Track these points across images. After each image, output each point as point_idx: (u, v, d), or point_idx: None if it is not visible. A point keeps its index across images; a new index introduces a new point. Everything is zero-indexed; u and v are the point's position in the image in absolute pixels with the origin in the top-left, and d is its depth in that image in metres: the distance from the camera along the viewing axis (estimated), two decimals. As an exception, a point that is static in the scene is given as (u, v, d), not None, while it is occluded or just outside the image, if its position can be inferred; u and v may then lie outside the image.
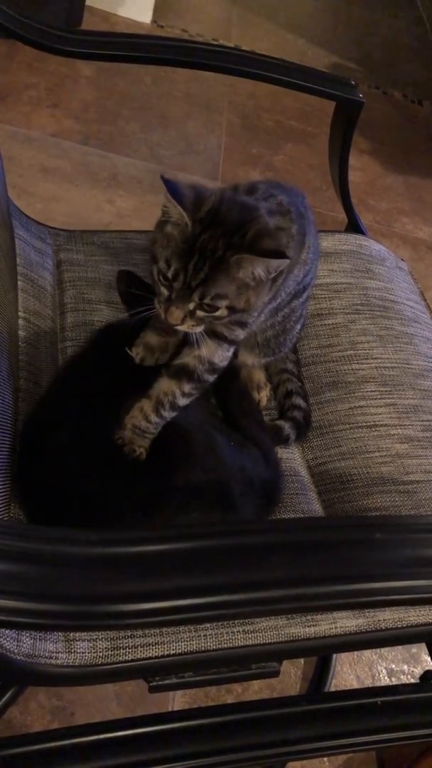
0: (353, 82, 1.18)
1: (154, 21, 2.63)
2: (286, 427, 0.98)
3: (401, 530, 0.61)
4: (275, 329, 0.96)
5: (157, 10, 2.63)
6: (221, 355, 0.82)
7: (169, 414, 0.80)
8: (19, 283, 0.98)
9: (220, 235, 0.73)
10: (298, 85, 1.17)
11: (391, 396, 1.03)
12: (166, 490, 0.78)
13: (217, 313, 0.75)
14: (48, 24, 1.10)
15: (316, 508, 0.93)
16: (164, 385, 0.80)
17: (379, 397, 1.02)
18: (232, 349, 0.84)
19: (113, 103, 2.28)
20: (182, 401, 0.81)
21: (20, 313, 0.96)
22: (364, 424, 0.99)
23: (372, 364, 1.06)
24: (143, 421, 0.79)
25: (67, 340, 0.99)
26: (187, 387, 0.80)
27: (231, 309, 0.75)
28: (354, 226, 1.28)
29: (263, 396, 1.01)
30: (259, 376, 1.02)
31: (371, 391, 1.03)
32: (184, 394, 0.81)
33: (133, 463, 0.80)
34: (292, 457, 0.97)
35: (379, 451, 0.97)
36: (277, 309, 0.92)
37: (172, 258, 0.73)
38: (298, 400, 1.01)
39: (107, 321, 1.01)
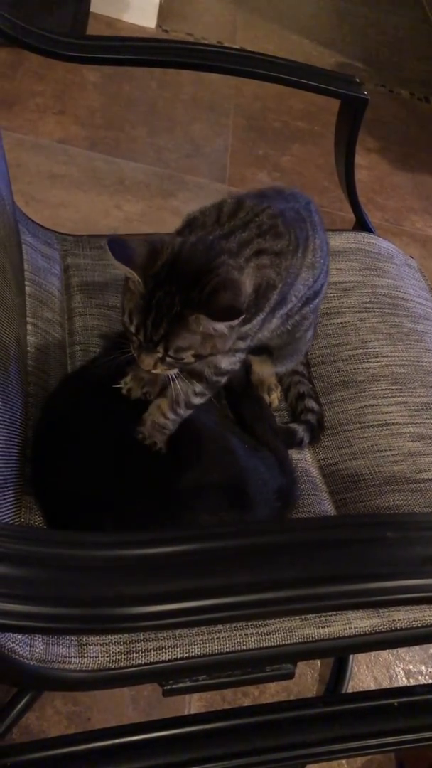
0: (357, 80, 1.17)
1: (158, 26, 2.64)
2: (300, 430, 0.97)
3: (412, 528, 0.61)
4: (285, 338, 0.95)
5: (162, 15, 2.64)
6: (227, 361, 0.83)
7: (184, 411, 0.82)
8: (26, 288, 0.99)
9: (176, 290, 0.72)
10: (302, 83, 1.17)
11: (402, 394, 1.02)
12: (181, 490, 0.79)
13: (185, 361, 0.75)
14: (53, 31, 1.11)
15: (328, 509, 0.92)
16: (178, 385, 0.80)
17: (390, 395, 1.02)
18: (239, 355, 0.84)
19: (119, 109, 2.29)
20: (196, 400, 0.82)
21: (28, 319, 0.96)
22: (375, 423, 0.99)
23: (382, 362, 1.05)
24: (161, 418, 0.81)
25: (76, 345, 1.00)
26: (198, 387, 0.81)
27: (197, 356, 0.75)
28: (362, 224, 1.27)
29: (274, 398, 1.01)
30: (270, 378, 1.02)
31: (382, 389, 1.02)
32: (196, 393, 0.81)
33: (147, 464, 0.80)
34: (303, 458, 0.97)
35: (390, 449, 0.96)
36: (288, 315, 0.92)
37: (133, 313, 0.74)
38: (311, 403, 1.00)
39: (116, 325, 1.01)
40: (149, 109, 2.33)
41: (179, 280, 0.73)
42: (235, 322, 0.73)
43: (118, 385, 0.82)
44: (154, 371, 0.76)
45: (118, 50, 1.19)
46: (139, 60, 1.22)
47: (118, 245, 0.74)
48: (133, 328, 0.74)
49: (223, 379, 0.84)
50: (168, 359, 0.74)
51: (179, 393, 0.80)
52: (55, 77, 2.29)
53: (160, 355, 0.74)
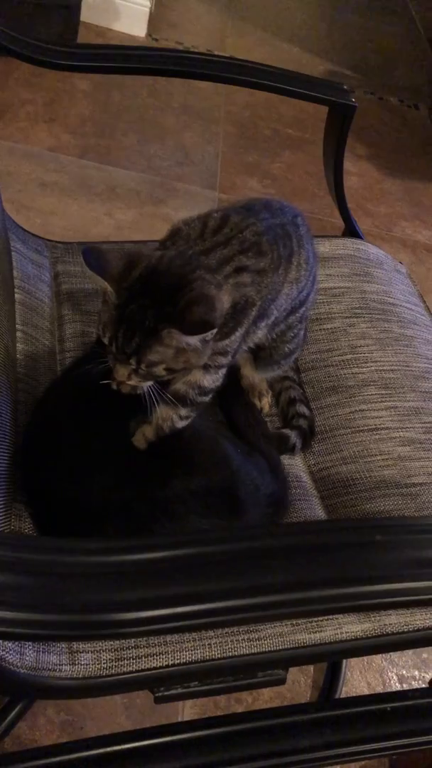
0: (345, 87, 1.18)
1: (149, 34, 2.65)
2: (293, 435, 0.98)
3: (401, 531, 0.61)
4: (272, 345, 0.95)
5: (152, 24, 2.65)
6: (210, 379, 0.82)
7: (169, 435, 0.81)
8: (16, 296, 0.99)
9: (149, 304, 0.72)
10: (291, 91, 1.18)
11: (392, 399, 1.02)
12: (172, 495, 0.78)
13: (156, 374, 0.75)
14: (43, 40, 1.11)
15: (319, 514, 0.92)
16: (162, 411, 0.80)
17: (380, 400, 1.02)
18: (222, 371, 0.83)
19: (110, 117, 2.30)
20: (181, 424, 0.81)
21: (18, 326, 0.96)
22: (366, 427, 0.99)
23: (372, 367, 1.05)
24: (143, 444, 0.81)
25: (66, 352, 1.00)
26: (183, 411, 0.81)
27: (170, 370, 0.75)
28: (351, 231, 1.28)
29: (265, 403, 1.01)
30: (261, 384, 1.02)
31: (372, 394, 1.02)
32: (181, 418, 0.81)
33: (138, 469, 0.80)
34: (294, 463, 0.97)
35: (381, 454, 0.96)
36: (274, 324, 0.92)
37: (107, 324, 0.74)
38: (302, 408, 1.00)
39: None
40: (140, 117, 2.34)
41: (153, 294, 0.72)
42: (208, 335, 0.73)
43: (107, 381, 0.80)
44: (129, 383, 0.76)
45: (108, 58, 1.19)
46: (130, 68, 1.23)
47: (94, 255, 0.74)
48: (106, 340, 0.74)
49: (208, 398, 0.84)
50: (141, 371, 0.74)
51: (165, 419, 0.80)
52: (46, 86, 2.29)
53: (133, 366, 0.74)
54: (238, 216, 0.84)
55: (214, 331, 0.73)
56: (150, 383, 0.77)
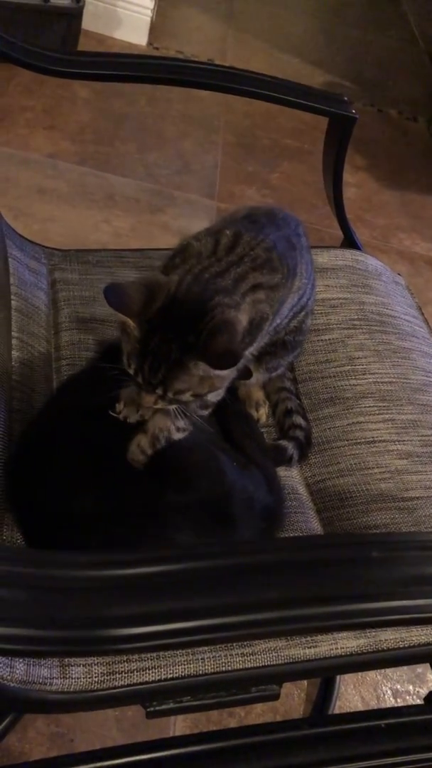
0: (345, 98, 1.18)
1: (149, 43, 2.66)
2: (290, 447, 0.97)
3: (398, 548, 0.60)
4: (271, 349, 0.96)
5: (153, 33, 2.66)
6: (214, 393, 0.82)
7: (164, 446, 0.80)
8: (12, 303, 0.98)
9: (172, 337, 0.72)
10: (291, 102, 1.18)
11: (389, 411, 1.02)
12: (166, 509, 0.78)
13: (183, 400, 0.75)
14: (44, 47, 1.11)
15: (315, 527, 0.91)
16: (159, 420, 0.80)
17: (377, 412, 1.01)
18: (225, 384, 0.84)
19: (109, 124, 2.30)
20: (177, 435, 0.81)
21: (14, 333, 0.95)
22: (363, 440, 0.98)
23: (370, 379, 1.05)
24: (140, 455, 0.80)
25: (62, 359, 0.99)
26: (181, 423, 0.80)
27: (196, 395, 0.75)
28: (350, 242, 1.28)
29: (262, 414, 1.01)
30: (258, 394, 1.02)
31: (369, 406, 1.02)
32: (178, 429, 0.81)
33: (131, 481, 0.79)
34: (290, 475, 0.96)
35: (378, 467, 0.96)
36: (276, 331, 0.93)
37: (131, 356, 0.74)
38: (299, 419, 1.00)
39: (102, 340, 1.00)
40: (139, 125, 2.34)
41: (175, 326, 0.72)
42: (236, 365, 0.73)
43: (115, 414, 0.80)
44: (155, 407, 0.76)
45: (108, 66, 1.19)
46: (130, 76, 1.22)
47: (114, 293, 0.73)
48: (131, 371, 0.74)
49: (208, 412, 0.84)
50: (167, 398, 0.74)
51: (161, 430, 0.79)
52: (46, 93, 2.29)
53: (160, 394, 0.74)
54: (249, 234, 0.84)
55: (240, 361, 0.74)
56: (175, 406, 0.77)
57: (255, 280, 0.80)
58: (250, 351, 0.86)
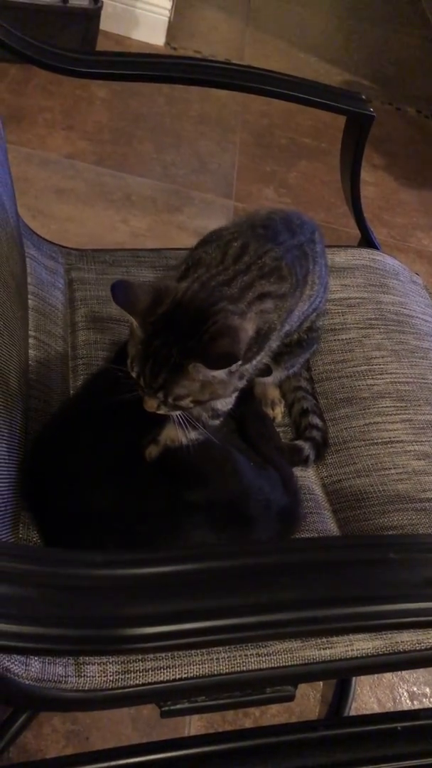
0: (364, 97, 1.17)
1: (167, 43, 2.66)
2: (306, 447, 0.97)
3: (416, 549, 0.59)
4: (285, 350, 0.96)
5: (170, 33, 2.66)
6: (223, 402, 0.83)
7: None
8: (30, 302, 0.98)
9: (173, 341, 0.72)
10: (309, 100, 1.17)
11: (407, 411, 1.01)
12: (179, 507, 0.77)
13: (183, 406, 0.75)
14: (62, 47, 1.11)
15: (331, 527, 0.91)
16: (171, 432, 0.80)
17: (394, 412, 1.00)
18: (235, 394, 0.84)
19: (127, 124, 2.30)
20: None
21: (31, 332, 0.95)
22: (380, 440, 0.98)
23: (387, 379, 1.04)
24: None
25: (79, 359, 0.99)
26: (192, 434, 0.80)
27: (197, 402, 0.75)
28: (367, 241, 1.27)
29: (278, 413, 1.00)
30: (273, 392, 1.01)
31: (386, 406, 1.01)
32: (189, 441, 0.81)
33: (148, 481, 0.79)
34: (306, 475, 0.96)
35: (395, 468, 0.95)
36: (287, 335, 0.93)
37: (135, 359, 0.74)
38: (315, 419, 0.99)
39: (118, 340, 1.01)
40: (157, 125, 2.34)
41: (177, 329, 0.72)
42: (233, 367, 0.73)
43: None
44: (158, 412, 0.76)
45: (126, 66, 1.19)
46: (147, 76, 1.22)
47: (121, 289, 0.73)
48: (134, 374, 0.75)
49: (219, 421, 0.84)
50: (169, 403, 0.75)
51: (172, 441, 0.80)
52: (64, 93, 2.30)
53: (161, 399, 0.74)
54: (257, 242, 0.84)
55: (239, 363, 0.73)
56: (178, 413, 0.77)
57: (262, 288, 0.80)
58: (260, 359, 0.85)
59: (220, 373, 0.73)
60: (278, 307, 0.83)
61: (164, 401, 0.74)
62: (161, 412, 0.76)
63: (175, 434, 0.79)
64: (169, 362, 0.72)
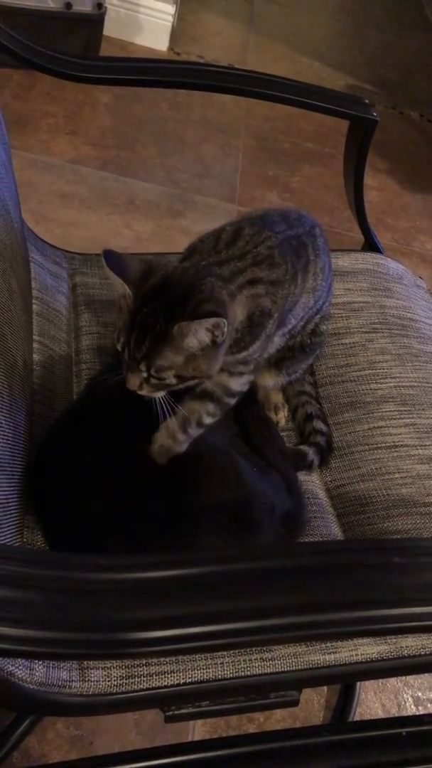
0: (367, 101, 1.17)
1: (170, 48, 2.67)
2: (311, 452, 0.97)
3: (420, 553, 0.59)
4: (289, 353, 0.96)
5: (174, 38, 2.67)
6: (236, 383, 0.84)
7: (195, 431, 0.82)
8: (34, 306, 0.99)
9: (160, 309, 0.73)
10: (312, 105, 1.17)
11: (410, 416, 1.01)
12: (186, 512, 0.78)
13: (167, 381, 0.76)
14: (65, 53, 1.12)
15: (335, 532, 0.91)
16: (190, 405, 0.81)
17: (398, 417, 1.00)
18: (245, 377, 0.85)
19: (130, 129, 2.31)
20: (207, 420, 0.83)
21: (35, 337, 0.96)
22: (384, 444, 0.98)
23: (391, 383, 1.04)
24: (169, 440, 0.80)
25: (82, 363, 0.99)
26: (211, 407, 0.82)
27: (179, 377, 0.76)
28: (371, 245, 1.27)
29: (281, 417, 1.00)
30: (277, 396, 1.01)
31: (390, 411, 1.01)
32: (208, 414, 0.82)
33: (152, 484, 0.79)
34: (310, 480, 0.96)
35: (399, 472, 0.95)
36: (291, 334, 0.93)
37: (121, 330, 0.75)
38: (319, 424, 0.99)
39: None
40: (160, 130, 2.35)
41: (165, 299, 0.74)
42: (218, 334, 0.73)
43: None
44: (140, 392, 0.77)
45: (129, 71, 1.20)
46: (151, 81, 1.23)
47: (114, 258, 0.75)
48: (119, 346, 0.76)
49: (234, 401, 0.85)
50: (152, 380, 0.75)
51: (192, 412, 0.81)
52: (67, 98, 2.31)
53: (144, 374, 0.75)
54: (252, 229, 0.85)
55: (225, 330, 0.73)
56: (162, 394, 0.77)
57: (253, 274, 0.81)
58: (259, 349, 0.85)
59: (205, 339, 0.73)
60: (271, 293, 0.82)
61: (147, 377, 0.75)
62: (143, 392, 0.76)
63: (195, 407, 0.81)
64: (155, 329, 0.73)
